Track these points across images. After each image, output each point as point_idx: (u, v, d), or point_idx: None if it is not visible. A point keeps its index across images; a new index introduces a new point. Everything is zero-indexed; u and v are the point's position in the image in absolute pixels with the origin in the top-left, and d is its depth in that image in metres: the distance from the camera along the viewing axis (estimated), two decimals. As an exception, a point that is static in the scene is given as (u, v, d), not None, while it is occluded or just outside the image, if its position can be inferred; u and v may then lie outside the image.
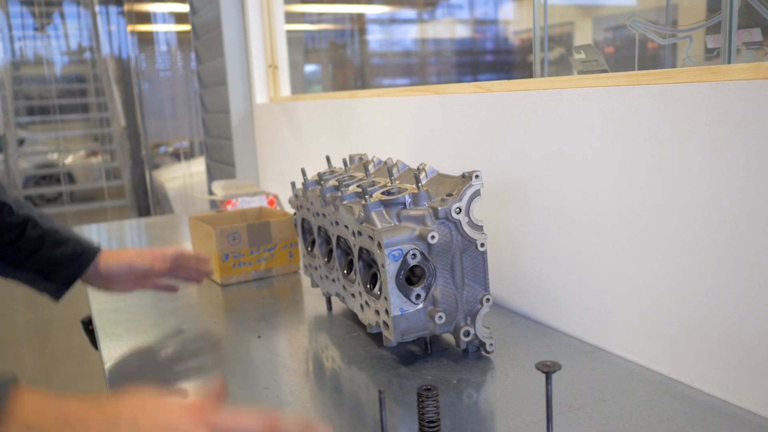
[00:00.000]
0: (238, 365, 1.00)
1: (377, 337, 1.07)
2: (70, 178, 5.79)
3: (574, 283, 1.04)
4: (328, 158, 1.29)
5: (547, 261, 1.09)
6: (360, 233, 0.97)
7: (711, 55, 1.17)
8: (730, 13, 1.09)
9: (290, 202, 1.29)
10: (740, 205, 0.76)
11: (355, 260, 1.01)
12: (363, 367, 0.97)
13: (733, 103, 0.75)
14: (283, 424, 0.65)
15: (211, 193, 2.73)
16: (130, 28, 5.17)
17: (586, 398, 0.83)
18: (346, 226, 1.02)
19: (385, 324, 0.93)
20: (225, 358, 1.04)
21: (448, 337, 1.04)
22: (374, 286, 0.99)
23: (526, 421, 0.78)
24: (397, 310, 0.91)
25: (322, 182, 1.14)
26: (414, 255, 0.90)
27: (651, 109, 0.86)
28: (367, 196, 0.95)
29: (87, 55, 5.45)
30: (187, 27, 3.97)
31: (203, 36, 2.93)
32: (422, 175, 1.00)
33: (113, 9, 5.25)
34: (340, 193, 1.05)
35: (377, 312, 0.96)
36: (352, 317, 1.18)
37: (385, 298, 0.92)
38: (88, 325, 1.34)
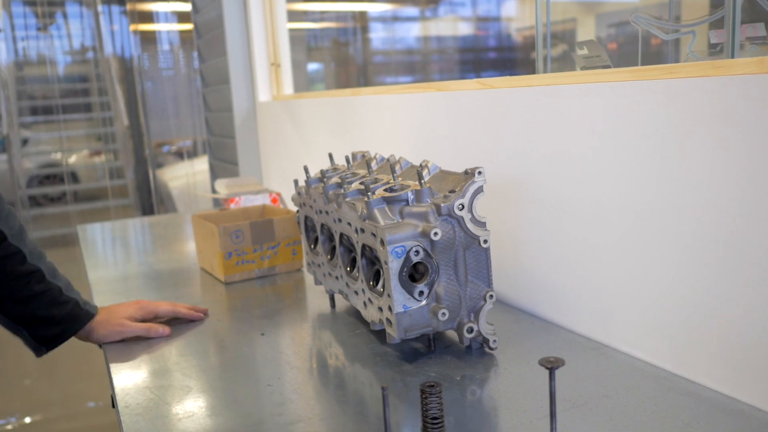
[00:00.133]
0: (241, 363, 1.00)
1: (380, 334, 1.06)
2: (74, 177, 5.80)
3: (577, 279, 1.03)
4: (330, 156, 1.29)
5: (550, 257, 1.08)
6: (363, 230, 0.97)
7: (714, 51, 1.17)
8: (733, 7, 1.09)
9: (293, 199, 1.29)
10: (743, 201, 0.76)
11: (358, 257, 1.01)
12: (366, 364, 0.97)
13: (737, 98, 0.75)
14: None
15: (214, 191, 2.73)
16: (132, 27, 5.17)
17: (590, 394, 0.83)
18: (349, 224, 1.02)
19: (389, 321, 0.93)
20: (228, 355, 1.04)
21: (452, 334, 1.04)
22: (377, 283, 0.99)
23: (530, 418, 0.78)
24: (400, 307, 0.91)
25: (325, 180, 1.14)
26: (417, 252, 0.90)
27: (654, 105, 0.85)
28: (369, 193, 0.95)
29: (90, 54, 5.45)
30: (189, 26, 3.97)
31: (206, 35, 2.93)
32: (425, 172, 1.00)
33: (116, 8, 5.25)
34: (342, 191, 1.05)
35: (380, 309, 0.96)
36: (356, 314, 1.18)
37: (388, 295, 0.91)
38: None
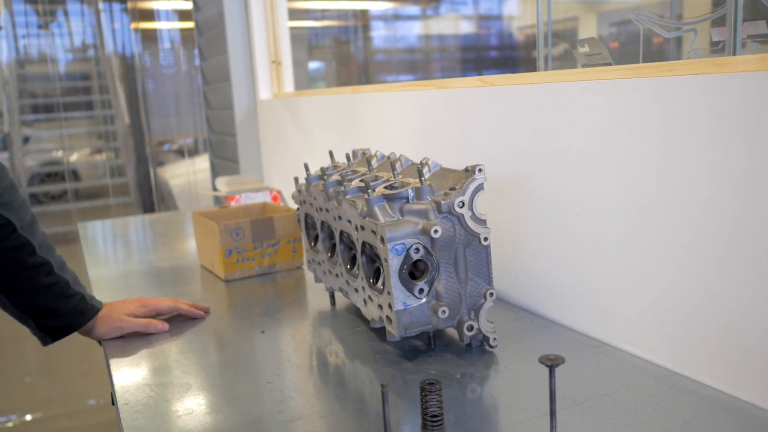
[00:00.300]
0: (241, 360, 1.00)
1: (380, 332, 1.06)
2: (75, 175, 5.80)
3: (577, 277, 1.03)
4: (331, 153, 1.29)
5: (551, 255, 1.08)
6: (363, 228, 0.96)
7: (716, 48, 1.16)
8: (735, 5, 1.08)
9: (293, 197, 1.28)
10: (744, 199, 0.76)
11: (358, 255, 1.01)
12: (366, 361, 0.97)
13: (739, 96, 0.75)
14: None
15: (215, 189, 2.73)
16: (133, 25, 5.17)
17: (591, 392, 0.83)
18: (349, 221, 1.02)
19: (389, 319, 0.93)
20: (228, 353, 1.04)
21: (452, 332, 1.04)
22: (377, 281, 0.99)
23: (530, 416, 0.78)
24: (400, 304, 0.91)
25: (325, 177, 1.14)
26: (417, 249, 0.90)
27: (655, 102, 0.85)
28: (370, 191, 0.95)
29: (91, 52, 5.45)
30: (190, 24, 3.97)
31: (207, 32, 2.93)
32: (425, 170, 1.00)
33: (117, 6, 5.25)
34: (343, 188, 1.04)
35: (380, 307, 0.96)
36: (356, 312, 1.17)
37: (388, 293, 0.91)
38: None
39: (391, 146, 1.48)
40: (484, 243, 0.93)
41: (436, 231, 0.89)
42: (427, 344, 1.00)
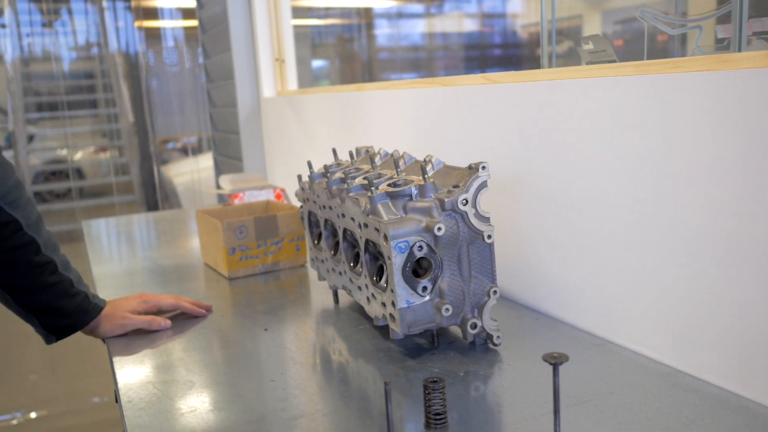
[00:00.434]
0: (245, 358, 1.00)
1: (384, 330, 1.06)
2: (79, 173, 5.81)
3: (581, 275, 1.03)
4: (334, 151, 1.28)
5: (555, 253, 1.08)
6: (366, 225, 0.96)
7: (721, 46, 1.16)
8: (740, 2, 1.08)
9: (297, 195, 1.28)
10: (749, 196, 0.75)
11: (362, 253, 1.00)
12: (370, 359, 0.97)
13: (744, 92, 0.74)
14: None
15: (218, 187, 2.73)
16: (137, 23, 5.17)
17: (594, 391, 0.83)
18: (353, 219, 1.02)
19: (392, 316, 0.93)
20: (232, 351, 1.04)
21: (455, 330, 1.04)
22: (381, 279, 0.99)
23: (534, 414, 0.78)
24: (404, 302, 0.91)
25: (329, 175, 1.14)
26: (420, 247, 0.90)
27: (660, 99, 0.85)
28: (373, 188, 0.95)
29: (95, 50, 5.46)
30: (194, 22, 3.98)
31: (210, 30, 2.93)
32: (429, 167, 0.99)
33: (120, 4, 5.25)
34: (346, 186, 1.04)
35: (384, 304, 0.95)
36: (359, 310, 1.17)
37: (392, 291, 0.91)
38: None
39: (394, 144, 1.48)
40: (488, 241, 0.93)
41: (439, 228, 0.89)
42: (430, 342, 0.99)
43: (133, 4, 5.20)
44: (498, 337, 0.96)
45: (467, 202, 0.91)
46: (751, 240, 0.76)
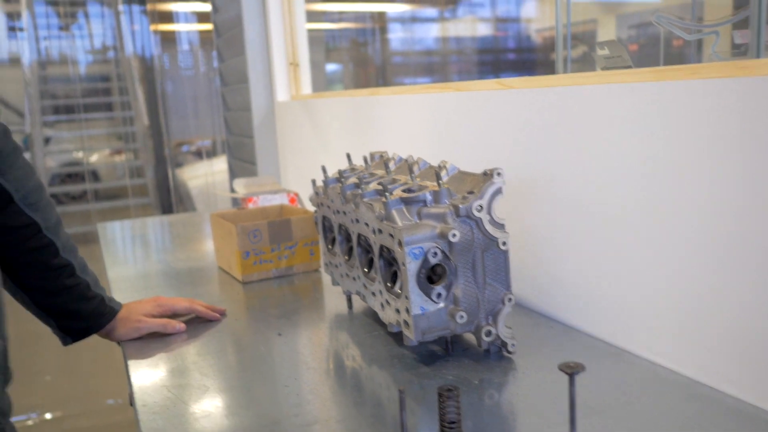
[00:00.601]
0: (258, 363, 1.00)
1: (398, 336, 1.06)
2: (95, 176, 5.86)
3: (598, 283, 1.02)
4: (348, 156, 1.28)
5: (570, 260, 1.07)
6: (380, 231, 0.96)
7: (738, 51, 1.15)
8: (759, 7, 1.07)
9: (311, 199, 1.28)
10: (771, 204, 0.74)
11: (376, 258, 1.00)
12: (383, 366, 0.96)
13: (763, 99, 0.73)
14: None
15: (232, 190, 2.74)
16: (153, 27, 5.21)
17: (611, 401, 0.82)
18: (367, 224, 1.01)
19: (406, 323, 0.93)
20: (246, 355, 1.04)
21: (470, 337, 1.03)
22: (395, 285, 0.98)
23: (549, 423, 0.77)
24: (418, 308, 0.90)
25: (343, 180, 1.14)
26: (435, 253, 0.89)
27: (677, 106, 0.84)
28: (387, 194, 0.94)
29: (111, 54, 5.51)
30: (209, 26, 4.00)
31: (225, 34, 2.94)
32: (443, 173, 0.99)
33: (136, 8, 5.30)
34: (360, 191, 1.04)
35: (398, 311, 0.95)
36: (373, 316, 1.17)
37: (406, 297, 0.91)
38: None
39: (408, 149, 1.48)
40: (503, 247, 0.92)
41: (454, 235, 0.89)
42: (444, 349, 0.99)
43: (148, 7, 5.24)
44: (513, 344, 0.95)
45: (482, 208, 0.90)
46: (771, 249, 0.75)
